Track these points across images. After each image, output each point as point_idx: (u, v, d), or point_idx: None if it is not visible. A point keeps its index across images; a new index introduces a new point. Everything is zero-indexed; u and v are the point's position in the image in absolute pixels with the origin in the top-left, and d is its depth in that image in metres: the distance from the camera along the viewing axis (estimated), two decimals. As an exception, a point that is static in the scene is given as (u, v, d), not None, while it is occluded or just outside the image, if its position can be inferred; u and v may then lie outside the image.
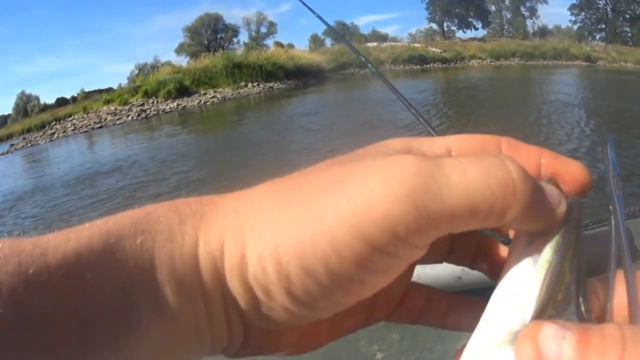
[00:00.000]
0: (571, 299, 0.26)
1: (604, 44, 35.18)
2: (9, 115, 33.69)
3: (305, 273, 0.25)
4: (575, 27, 38.22)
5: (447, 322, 0.37)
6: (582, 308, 0.26)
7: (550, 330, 0.23)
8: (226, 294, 0.27)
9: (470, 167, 0.25)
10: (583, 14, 37.07)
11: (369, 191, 0.24)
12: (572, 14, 37.93)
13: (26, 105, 33.18)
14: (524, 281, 0.27)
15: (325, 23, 2.24)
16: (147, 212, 0.28)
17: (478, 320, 0.28)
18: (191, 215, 0.28)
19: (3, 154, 22.82)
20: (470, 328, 0.29)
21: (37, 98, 33.76)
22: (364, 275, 0.26)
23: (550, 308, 0.26)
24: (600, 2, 35.54)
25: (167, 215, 0.28)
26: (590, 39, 36.79)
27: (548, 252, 0.27)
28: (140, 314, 0.25)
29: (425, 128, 1.29)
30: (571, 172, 0.30)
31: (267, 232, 0.26)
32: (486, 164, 0.25)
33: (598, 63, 32.27)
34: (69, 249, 0.24)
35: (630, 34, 34.69)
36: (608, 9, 34.73)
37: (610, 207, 0.30)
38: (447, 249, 0.37)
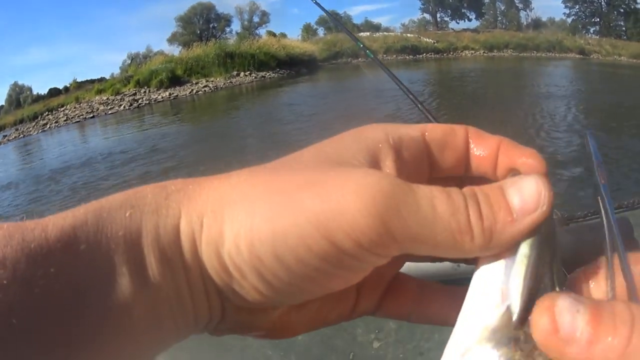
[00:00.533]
0: (547, 291, 0.27)
1: (598, 37, 35.13)
2: (2, 106, 33.32)
3: (275, 258, 0.27)
4: (569, 19, 38.17)
5: (443, 316, 0.36)
6: None
7: (565, 302, 0.24)
8: (203, 267, 0.29)
9: (440, 204, 0.27)
10: (577, 6, 36.97)
11: (343, 199, 0.26)
12: (566, 6, 37.81)
13: (19, 96, 32.76)
14: (502, 279, 0.27)
15: (323, 9, 2.23)
16: (137, 190, 0.30)
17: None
18: (176, 191, 0.30)
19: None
20: None
21: (30, 89, 33.30)
22: (330, 269, 0.28)
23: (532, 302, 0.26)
24: (595, -6, 35.56)
25: (155, 192, 0.30)
26: (584, 32, 36.73)
27: (525, 247, 0.28)
28: (126, 281, 0.27)
29: (425, 115, 1.30)
30: (528, 163, 0.33)
31: (245, 215, 0.28)
32: (453, 205, 0.27)
33: (592, 56, 32.19)
34: (66, 224, 0.27)
35: (624, 28, 34.61)
36: (602, 3, 34.69)
37: (599, 198, 0.31)
38: None
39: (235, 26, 37.60)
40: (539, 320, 0.24)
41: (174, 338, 0.30)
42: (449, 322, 0.33)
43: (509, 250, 0.28)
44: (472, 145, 0.35)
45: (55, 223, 0.27)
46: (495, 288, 0.27)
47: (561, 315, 0.23)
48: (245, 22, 37.31)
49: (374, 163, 0.31)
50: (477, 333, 0.26)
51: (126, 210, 0.28)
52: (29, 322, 0.24)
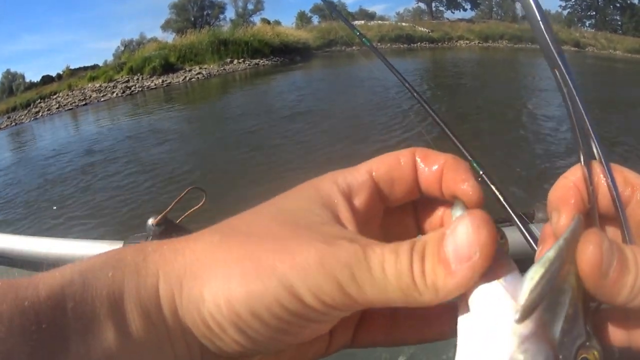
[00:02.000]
0: (579, 314, 0.30)
1: (593, 30, 35.09)
2: (-5, 94, 33.08)
3: (252, 314, 0.31)
4: (565, 12, 38.15)
5: (417, 336, 0.38)
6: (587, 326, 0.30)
7: (606, 244, 0.29)
8: (183, 322, 0.32)
9: (388, 267, 0.30)
10: (573, 0, 36.99)
11: (308, 267, 0.30)
12: (562, -1, 37.88)
13: (11, 84, 32.47)
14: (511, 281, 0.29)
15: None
16: (117, 252, 0.33)
17: (455, 324, 0.32)
18: (152, 252, 0.33)
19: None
20: (449, 334, 0.33)
21: (22, 76, 32.99)
22: (301, 322, 0.32)
23: (549, 312, 0.29)
24: (591, -13, 35.49)
25: (134, 254, 0.33)
26: (579, 25, 36.71)
27: (550, 253, 0.29)
28: (111, 334, 0.30)
29: (420, 103, 1.26)
30: (466, 193, 0.35)
31: (223, 279, 0.31)
32: (401, 266, 0.30)
33: (587, 49, 32.16)
34: (55, 284, 0.30)
35: (620, 23, 34.58)
36: None
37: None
38: None
39: (230, 13, 37.50)
40: (587, 251, 0.29)
41: None
42: (425, 340, 0.38)
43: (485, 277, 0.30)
44: (420, 170, 0.37)
45: (45, 282, 0.30)
46: (505, 301, 0.29)
47: (605, 253, 0.28)
48: (240, 10, 37.12)
49: (333, 217, 0.35)
50: (510, 340, 0.27)
51: (108, 271, 0.31)
52: None
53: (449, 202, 0.37)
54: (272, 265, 0.31)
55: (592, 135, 0.34)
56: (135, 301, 0.31)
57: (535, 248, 0.34)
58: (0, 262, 1.66)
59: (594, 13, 35.80)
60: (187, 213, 1.30)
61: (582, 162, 0.34)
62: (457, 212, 0.35)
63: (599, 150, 0.34)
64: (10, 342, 0.27)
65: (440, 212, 0.39)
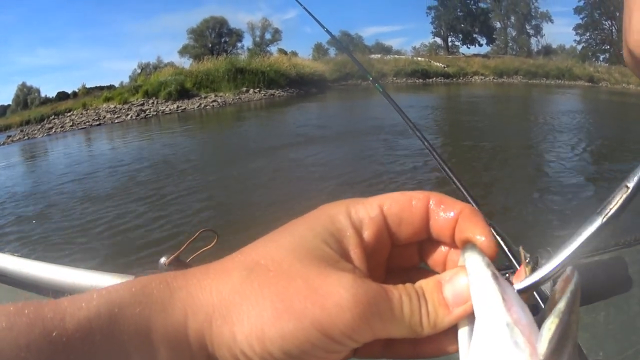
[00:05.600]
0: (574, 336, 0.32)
1: (607, 65, 35.07)
2: (9, 105, 33.45)
3: (283, 352, 0.33)
4: (580, 47, 38.18)
5: (420, 351, 0.39)
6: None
7: None
8: (212, 357, 0.35)
9: (405, 308, 0.35)
10: (588, 34, 36.99)
11: (338, 308, 0.33)
12: (577, 33, 37.85)
13: (26, 97, 32.87)
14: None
15: (332, 36, 2.12)
16: (143, 285, 0.35)
17: (454, 342, 0.36)
18: (178, 289, 0.35)
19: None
20: (444, 352, 0.38)
21: (38, 91, 33.37)
22: (325, 354, 0.35)
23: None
24: (606, 23, 35.46)
25: (160, 288, 0.35)
26: (594, 59, 36.70)
27: (561, 305, 0.32)
28: None
29: (426, 147, 1.23)
30: (481, 243, 0.38)
31: (255, 320, 0.33)
32: (413, 308, 0.35)
33: (600, 84, 32.14)
34: (82, 316, 0.31)
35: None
36: (613, 30, 34.60)
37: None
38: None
39: (247, 42, 37.79)
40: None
41: None
42: (421, 356, 0.40)
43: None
44: (433, 215, 0.40)
45: (71, 314, 0.31)
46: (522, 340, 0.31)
47: None
48: (257, 39, 37.49)
49: (343, 251, 0.38)
50: None
51: (135, 307, 0.33)
52: None
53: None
54: (304, 308, 0.33)
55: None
56: (163, 338, 0.33)
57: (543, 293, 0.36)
58: (5, 281, 1.59)
59: (609, 47, 35.75)
60: (197, 253, 1.25)
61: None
62: (472, 255, 0.37)
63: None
64: None
65: (444, 250, 0.42)
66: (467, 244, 0.38)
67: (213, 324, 0.34)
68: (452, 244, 0.40)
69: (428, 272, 0.43)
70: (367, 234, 0.39)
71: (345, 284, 0.34)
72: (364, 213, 0.40)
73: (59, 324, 0.30)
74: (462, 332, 0.36)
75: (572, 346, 0.32)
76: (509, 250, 0.94)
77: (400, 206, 0.40)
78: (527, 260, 0.38)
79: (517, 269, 0.38)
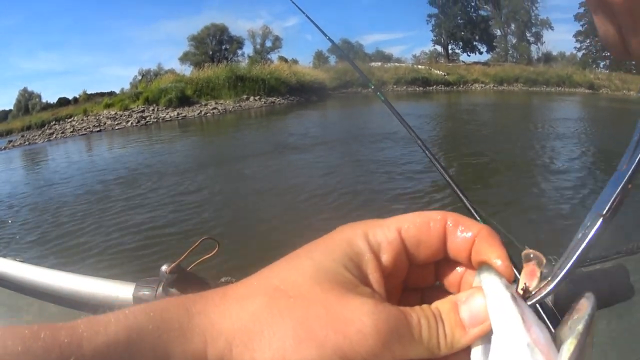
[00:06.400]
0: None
1: (607, 71, 35.13)
2: (10, 110, 33.62)
3: None
4: (580, 54, 38.28)
5: None
6: None
7: None
8: None
9: (424, 331, 0.36)
10: (588, 40, 37.07)
11: (360, 334, 0.33)
12: (577, 40, 37.97)
13: (27, 103, 33.04)
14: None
15: (334, 44, 2.11)
16: (161, 309, 0.35)
17: None
18: (197, 314, 0.35)
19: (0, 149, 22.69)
20: None
21: (39, 96, 33.59)
22: None
23: None
24: (607, 30, 35.54)
25: (179, 313, 0.35)
26: (594, 66, 36.77)
27: (580, 327, 0.33)
28: None
29: (428, 157, 1.23)
30: (497, 266, 0.38)
31: (277, 346, 0.33)
32: (432, 331, 0.36)
33: (601, 91, 32.22)
34: (99, 342, 0.31)
35: (634, 63, 34.57)
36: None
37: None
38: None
39: (248, 49, 37.92)
40: None
41: None
42: None
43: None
44: (450, 235, 0.40)
45: (89, 339, 0.31)
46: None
47: None
48: (258, 46, 37.67)
49: (362, 275, 0.38)
50: None
51: (154, 332, 0.33)
52: None
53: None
54: (325, 335, 0.33)
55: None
56: None
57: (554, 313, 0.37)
58: (6, 286, 1.61)
59: (609, 54, 35.77)
60: (198, 260, 1.25)
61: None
62: (489, 276, 0.38)
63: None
64: None
65: (460, 270, 0.42)
66: (483, 265, 0.39)
67: (234, 350, 0.34)
68: (469, 265, 0.41)
69: (443, 292, 0.43)
70: (386, 258, 0.39)
71: (367, 310, 0.34)
72: (382, 236, 0.40)
73: (76, 350, 0.30)
74: (476, 351, 0.36)
75: None
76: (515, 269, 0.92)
77: (418, 228, 0.40)
78: (532, 263, 0.38)
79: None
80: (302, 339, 0.33)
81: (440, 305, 0.38)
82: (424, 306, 0.37)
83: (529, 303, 0.37)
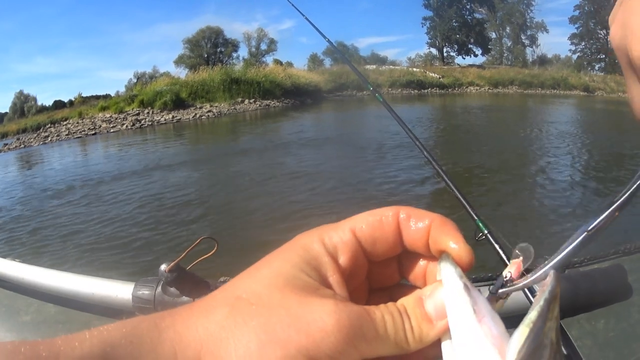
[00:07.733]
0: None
1: (602, 74, 35.25)
2: (6, 113, 33.65)
3: None
4: (575, 56, 38.41)
5: None
6: None
7: None
8: None
9: (389, 326, 0.36)
10: (583, 43, 37.23)
11: (323, 333, 0.34)
12: (572, 43, 38.10)
13: (23, 105, 33.09)
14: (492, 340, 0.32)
15: (332, 45, 2.11)
16: (133, 326, 0.36)
17: None
18: (166, 328, 0.36)
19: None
20: None
21: (35, 99, 33.77)
22: None
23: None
24: (601, 32, 35.68)
25: (149, 328, 0.36)
26: (589, 68, 36.90)
27: (533, 314, 0.32)
28: None
29: (427, 158, 1.23)
30: (458, 255, 0.39)
31: (242, 352, 0.34)
32: (397, 325, 0.36)
33: (596, 93, 32.33)
34: (75, 356, 0.32)
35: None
36: (608, 39, 35.08)
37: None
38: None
39: (243, 52, 37.97)
40: None
41: None
42: None
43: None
44: (404, 228, 0.41)
45: (65, 353, 0.32)
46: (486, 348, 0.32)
47: None
48: (253, 49, 37.66)
49: (322, 279, 0.39)
50: None
51: (127, 347, 0.34)
52: None
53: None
54: (288, 336, 0.34)
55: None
56: None
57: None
58: (5, 287, 1.62)
59: (604, 56, 35.92)
60: (197, 260, 1.25)
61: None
62: (445, 267, 0.38)
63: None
64: None
65: (423, 263, 0.43)
66: (442, 255, 0.39)
67: (202, 359, 0.35)
68: (430, 256, 0.41)
69: (410, 288, 0.43)
70: (343, 259, 0.40)
71: (328, 309, 0.35)
72: (337, 239, 0.41)
73: None
74: (446, 344, 0.36)
75: (551, 356, 0.31)
76: (506, 257, 0.93)
77: (372, 226, 0.41)
78: (519, 259, 0.38)
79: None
80: (265, 342, 0.34)
81: (406, 301, 0.38)
82: (389, 303, 0.38)
83: (487, 295, 0.36)
